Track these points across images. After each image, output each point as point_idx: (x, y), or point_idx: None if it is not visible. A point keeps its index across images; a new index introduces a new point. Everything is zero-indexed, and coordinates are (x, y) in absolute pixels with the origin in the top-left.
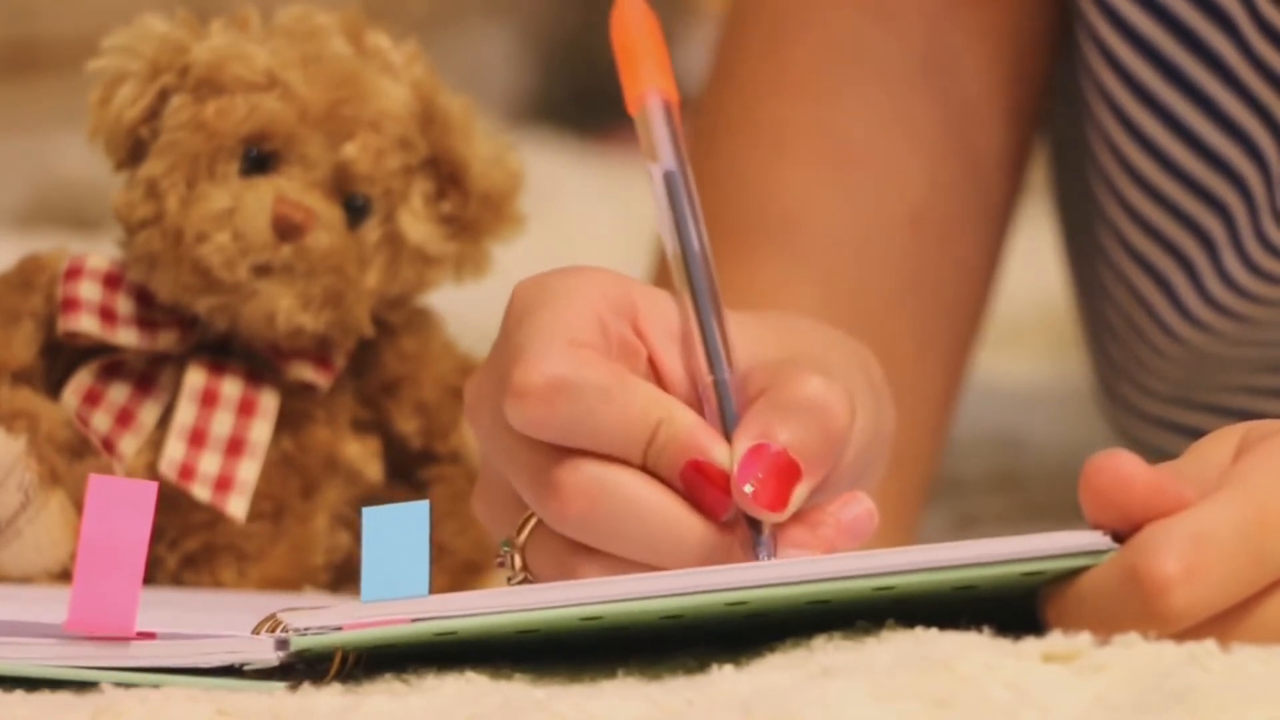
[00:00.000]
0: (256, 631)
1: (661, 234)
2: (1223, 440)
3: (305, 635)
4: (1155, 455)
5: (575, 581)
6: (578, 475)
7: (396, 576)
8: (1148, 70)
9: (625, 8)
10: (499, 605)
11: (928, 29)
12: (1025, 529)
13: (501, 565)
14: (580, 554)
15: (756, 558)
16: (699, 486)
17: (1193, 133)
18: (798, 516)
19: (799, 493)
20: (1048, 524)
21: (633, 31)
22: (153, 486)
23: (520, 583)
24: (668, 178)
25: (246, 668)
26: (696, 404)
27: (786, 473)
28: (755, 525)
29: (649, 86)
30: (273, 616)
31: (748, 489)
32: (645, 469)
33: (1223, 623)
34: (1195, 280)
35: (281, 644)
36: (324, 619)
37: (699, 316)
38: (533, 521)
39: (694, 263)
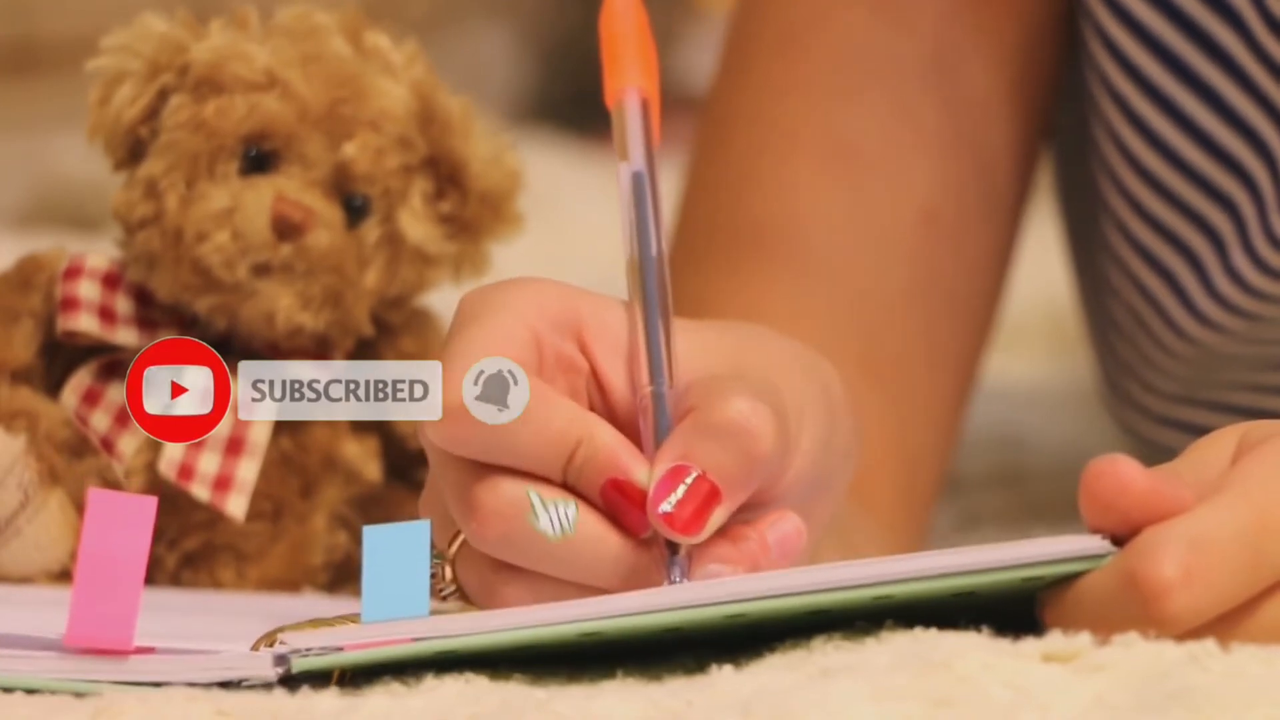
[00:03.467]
0: (255, 647)
1: (622, 235)
2: (1221, 441)
3: (307, 657)
4: (1161, 453)
5: (575, 601)
6: (495, 495)
7: (397, 596)
8: (1155, 66)
9: (617, 2)
10: (499, 625)
11: (934, 29)
12: (1027, 527)
13: (434, 578)
14: (503, 573)
15: (669, 578)
16: (618, 505)
17: (1200, 129)
18: (722, 532)
19: (716, 516)
20: (1049, 521)
21: (621, 26)
22: (152, 501)
23: (451, 595)
24: (635, 179)
25: (245, 683)
26: (634, 416)
27: (704, 496)
28: (672, 545)
29: (629, 83)
30: (272, 633)
31: (664, 510)
32: (567, 487)
33: (1222, 625)
34: (1204, 278)
35: (280, 660)
36: (325, 639)
37: (646, 326)
38: (462, 536)
39: (649, 270)
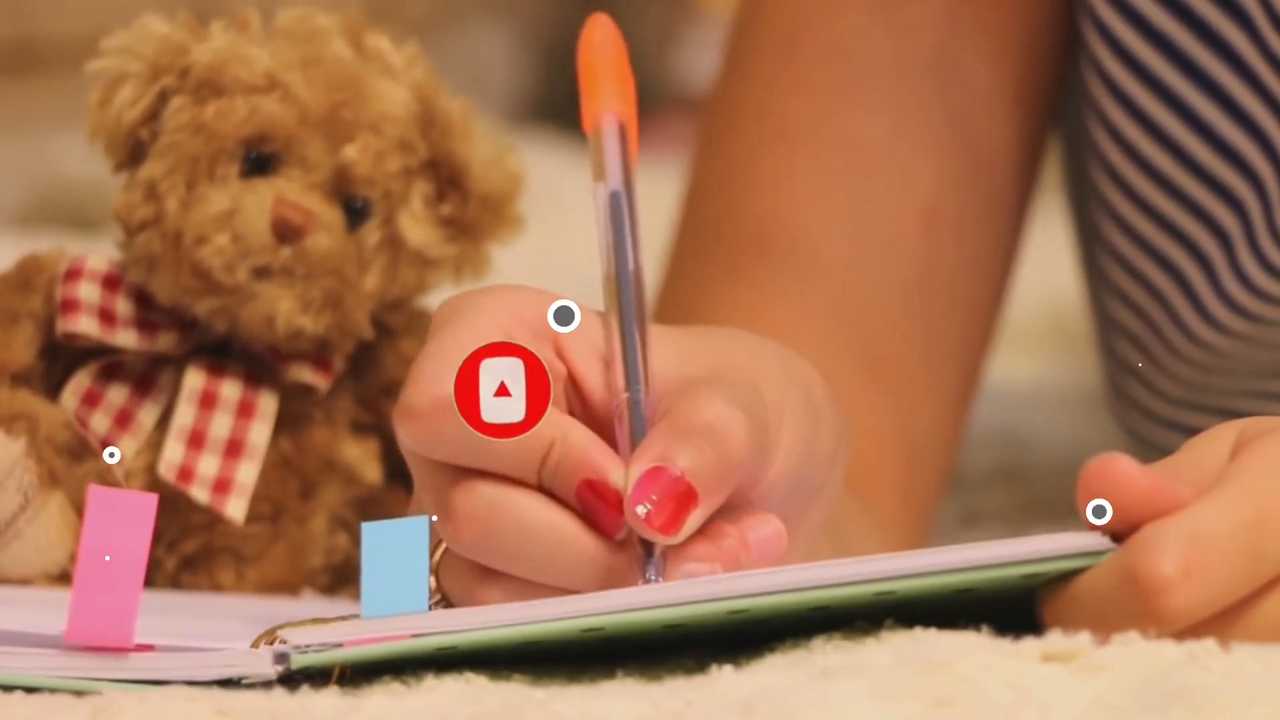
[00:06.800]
0: (255, 645)
1: (600, 252)
2: (1219, 437)
3: (306, 653)
4: (1164, 456)
5: (577, 596)
6: (471, 498)
7: (397, 591)
8: (1159, 60)
9: (594, 29)
10: (500, 620)
11: (934, 29)
12: (1028, 525)
13: None
14: (483, 579)
15: (645, 578)
16: (594, 506)
17: (1206, 124)
18: (702, 531)
19: (693, 518)
20: (1051, 520)
21: (598, 52)
22: (153, 499)
23: (436, 603)
24: (613, 198)
25: (244, 681)
26: (613, 421)
27: (682, 497)
28: (648, 545)
29: (606, 107)
30: (272, 631)
31: (641, 511)
32: (543, 489)
33: (1221, 621)
34: (1212, 278)
35: (280, 658)
36: (325, 636)
37: (623, 334)
38: (444, 544)
39: (625, 284)
